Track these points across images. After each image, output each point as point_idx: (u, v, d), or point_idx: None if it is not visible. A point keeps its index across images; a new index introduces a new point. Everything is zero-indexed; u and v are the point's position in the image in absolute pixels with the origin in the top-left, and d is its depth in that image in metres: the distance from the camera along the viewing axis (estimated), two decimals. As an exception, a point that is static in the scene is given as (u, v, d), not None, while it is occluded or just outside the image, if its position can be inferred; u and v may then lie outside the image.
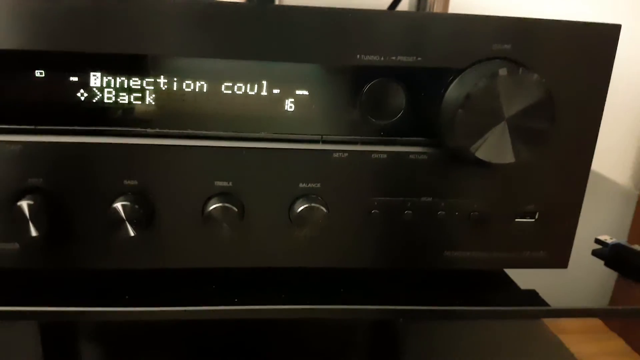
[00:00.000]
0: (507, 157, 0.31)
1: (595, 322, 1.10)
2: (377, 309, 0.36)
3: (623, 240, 0.45)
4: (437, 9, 0.80)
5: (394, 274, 0.40)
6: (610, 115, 0.92)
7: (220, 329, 0.59)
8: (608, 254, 0.45)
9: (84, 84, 0.32)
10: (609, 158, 0.93)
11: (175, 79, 0.32)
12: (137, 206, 0.32)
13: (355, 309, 0.36)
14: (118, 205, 0.31)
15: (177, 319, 0.35)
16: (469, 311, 0.38)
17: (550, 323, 0.96)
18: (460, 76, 0.32)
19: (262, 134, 0.33)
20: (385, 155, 0.34)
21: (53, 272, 0.36)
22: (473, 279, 0.40)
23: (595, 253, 0.46)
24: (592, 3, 0.84)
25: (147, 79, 0.32)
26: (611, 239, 0.46)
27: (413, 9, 0.80)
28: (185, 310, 0.34)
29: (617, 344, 1.08)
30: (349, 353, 0.62)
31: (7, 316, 0.34)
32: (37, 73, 0.31)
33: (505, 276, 0.42)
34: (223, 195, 0.33)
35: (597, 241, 0.46)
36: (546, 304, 0.39)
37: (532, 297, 0.40)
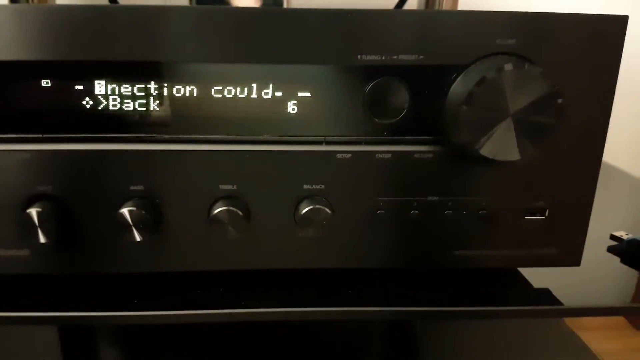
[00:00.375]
0: (512, 154, 0.31)
1: (618, 319, 1.08)
2: (390, 311, 0.36)
3: (638, 236, 0.44)
4: (446, 6, 0.79)
5: (405, 274, 0.39)
6: (625, 108, 0.90)
7: (236, 329, 0.60)
8: (624, 250, 0.44)
9: (89, 91, 0.32)
10: (624, 152, 0.91)
11: (178, 85, 0.32)
12: (143, 211, 0.32)
13: (367, 311, 0.36)
14: (125, 211, 0.32)
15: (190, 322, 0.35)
16: (486, 311, 0.37)
17: (571, 321, 0.94)
18: (464, 73, 0.32)
19: (265, 137, 0.33)
20: (389, 155, 0.34)
21: (63, 276, 0.37)
22: (484, 278, 0.40)
23: (610, 249, 0.45)
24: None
25: (150, 86, 0.32)
26: (627, 234, 0.45)
27: (422, 7, 0.80)
28: (198, 314, 0.34)
29: (641, 340, 1.06)
30: (364, 351, 0.61)
31: (28, 321, 0.35)
32: (44, 82, 0.32)
33: (519, 274, 0.41)
34: (228, 198, 0.33)
35: (613, 237, 0.45)
36: (560, 303, 0.38)
37: (545, 295, 0.39)
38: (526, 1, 0.82)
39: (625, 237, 0.44)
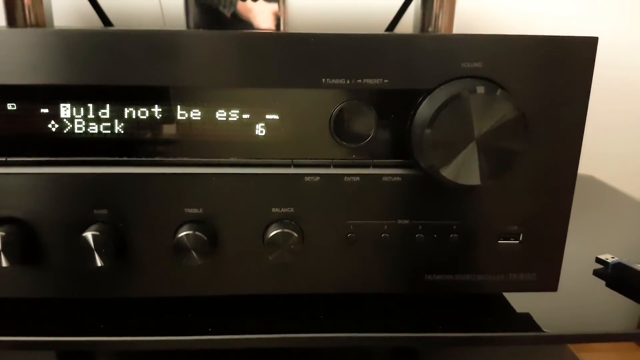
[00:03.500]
0: (473, 178, 0.30)
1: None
2: (368, 337, 0.35)
3: (625, 259, 0.43)
4: (441, 27, 0.79)
5: (382, 298, 0.39)
6: (627, 124, 0.89)
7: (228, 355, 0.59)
8: (609, 274, 0.43)
9: (54, 115, 0.32)
10: (625, 169, 0.89)
11: (143, 108, 0.32)
12: (106, 236, 0.32)
13: (345, 337, 0.35)
14: (88, 235, 0.32)
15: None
16: (481, 337, 0.36)
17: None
18: (429, 97, 0.32)
19: (232, 159, 0.33)
20: (358, 178, 0.34)
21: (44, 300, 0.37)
22: (465, 302, 0.39)
23: (596, 273, 0.44)
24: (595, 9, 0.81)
25: (114, 109, 0.32)
26: (612, 257, 0.44)
27: (417, 29, 0.80)
28: (195, 340, 0.34)
29: (649, 363, 1.03)
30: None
31: (23, 346, 0.35)
32: (9, 106, 0.32)
33: (502, 299, 0.40)
34: (194, 222, 0.33)
35: (598, 260, 0.44)
36: (540, 329, 0.37)
37: (526, 321, 0.38)
38: (524, 22, 0.82)
39: (610, 260, 0.43)
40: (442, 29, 0.75)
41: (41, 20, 0.68)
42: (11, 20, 0.64)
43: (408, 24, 0.78)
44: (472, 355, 0.65)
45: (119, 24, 0.69)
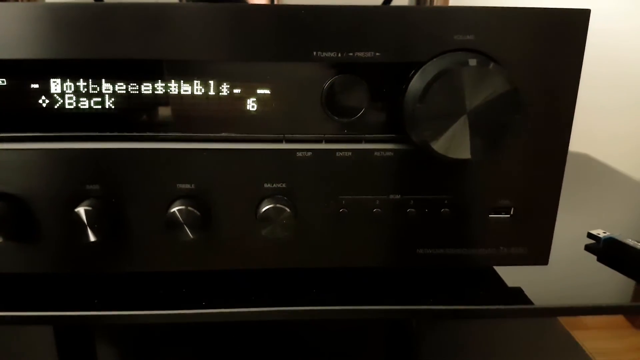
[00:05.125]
0: (463, 152, 0.30)
1: (618, 319, 1.07)
2: (367, 309, 0.35)
3: (616, 234, 0.43)
4: (437, 2, 0.78)
5: (376, 272, 0.39)
6: (621, 106, 0.89)
7: (232, 330, 0.60)
8: (601, 248, 0.43)
9: (45, 90, 0.32)
10: (622, 149, 0.90)
11: (135, 82, 0.32)
12: (98, 211, 0.32)
13: (342, 310, 0.35)
14: (80, 210, 0.32)
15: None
16: (474, 310, 0.36)
17: (571, 321, 0.93)
18: (421, 69, 0.31)
19: (223, 134, 0.33)
20: (350, 153, 0.34)
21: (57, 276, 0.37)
22: (457, 276, 0.39)
23: (588, 248, 0.44)
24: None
25: (106, 83, 0.32)
26: (604, 232, 0.44)
27: (413, 2, 0.79)
28: (191, 313, 0.34)
29: (641, 340, 1.05)
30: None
31: (21, 321, 0.35)
32: None
33: (494, 273, 0.41)
34: (186, 198, 0.33)
35: (590, 235, 0.45)
36: (530, 302, 0.38)
37: (517, 295, 0.39)
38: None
39: (601, 235, 0.44)
40: (438, 2, 0.74)
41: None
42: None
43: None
44: (465, 330, 0.66)
45: None
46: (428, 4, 0.77)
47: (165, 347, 0.60)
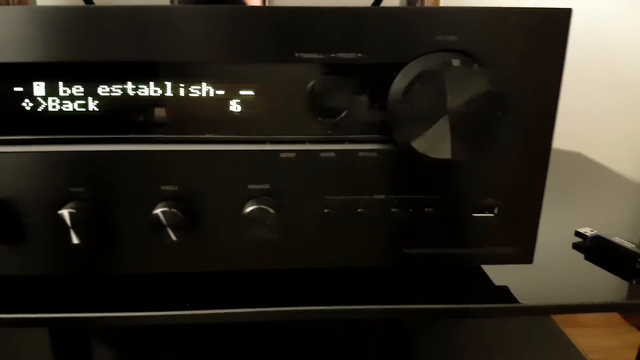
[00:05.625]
0: (444, 152, 0.31)
1: (613, 316, 1.07)
2: (357, 309, 0.36)
3: (603, 232, 0.43)
4: (428, 2, 0.78)
5: (362, 272, 0.39)
6: (618, 107, 0.89)
7: (229, 329, 0.60)
8: (588, 247, 0.44)
9: (29, 93, 0.32)
10: (616, 151, 0.90)
11: (118, 84, 0.32)
12: (82, 213, 0.32)
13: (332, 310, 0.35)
14: (64, 212, 0.32)
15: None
16: (454, 309, 0.36)
17: (566, 319, 0.93)
18: (403, 70, 0.32)
19: (207, 136, 0.33)
20: (333, 154, 0.34)
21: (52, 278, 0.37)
22: (444, 276, 0.39)
23: (575, 246, 0.44)
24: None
25: (90, 86, 0.32)
26: (592, 231, 0.44)
27: (404, 3, 0.79)
28: (187, 314, 0.34)
29: (636, 337, 1.05)
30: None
31: (17, 323, 0.35)
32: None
33: (481, 272, 0.41)
34: (170, 199, 0.33)
35: (577, 234, 0.45)
36: (516, 301, 0.38)
37: (503, 294, 0.39)
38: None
39: (589, 233, 0.44)
40: (429, 2, 0.74)
41: (24, 1, 0.67)
42: (-8, 0, 0.63)
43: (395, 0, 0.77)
44: (459, 329, 0.67)
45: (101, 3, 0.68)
46: (419, 4, 0.77)
47: (160, 348, 0.60)
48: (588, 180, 0.68)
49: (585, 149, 0.77)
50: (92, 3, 0.65)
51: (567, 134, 0.85)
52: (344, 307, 0.35)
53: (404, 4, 0.78)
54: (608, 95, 0.89)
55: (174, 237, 0.33)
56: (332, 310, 0.35)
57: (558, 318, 0.73)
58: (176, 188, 0.33)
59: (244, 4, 0.66)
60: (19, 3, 0.69)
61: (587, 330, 0.98)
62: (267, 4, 0.71)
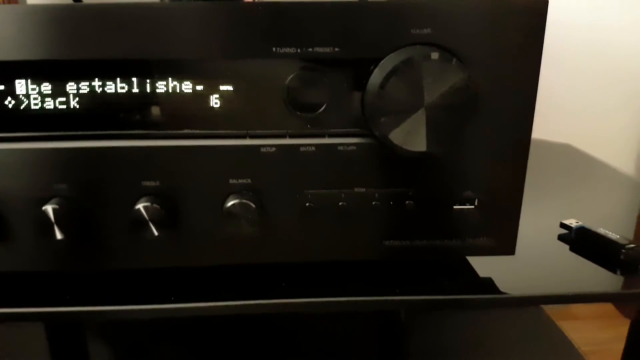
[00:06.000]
0: (419, 144, 0.31)
1: (607, 308, 1.07)
2: (346, 301, 0.36)
3: (587, 224, 0.43)
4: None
5: (352, 266, 0.39)
6: (615, 104, 0.89)
7: (224, 326, 0.61)
8: (573, 238, 0.44)
9: (11, 91, 0.32)
10: (613, 147, 0.90)
11: (99, 81, 0.33)
12: (66, 209, 0.32)
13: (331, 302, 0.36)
14: (48, 208, 0.32)
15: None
16: (440, 300, 0.37)
17: (556, 311, 0.93)
18: (380, 64, 0.32)
19: (187, 131, 0.34)
20: (313, 148, 0.34)
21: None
22: (427, 268, 0.39)
23: (561, 238, 0.45)
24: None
25: (70, 83, 0.32)
26: (577, 222, 0.44)
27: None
28: (183, 307, 0.35)
29: (631, 330, 1.05)
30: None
31: (12, 317, 0.36)
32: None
33: (466, 264, 0.41)
34: (151, 195, 0.34)
35: (563, 225, 0.45)
36: (501, 292, 0.38)
37: (487, 285, 0.39)
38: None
39: (573, 224, 0.44)
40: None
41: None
42: (-20, 0, 0.63)
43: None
44: (451, 322, 0.67)
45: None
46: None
47: (155, 343, 0.60)
48: (580, 174, 0.68)
49: (578, 143, 0.77)
50: (80, 1, 0.65)
51: (559, 129, 0.85)
52: (334, 299, 0.36)
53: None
54: (603, 91, 0.89)
55: (155, 233, 0.33)
56: (321, 302, 0.36)
57: (551, 311, 0.74)
58: (157, 183, 0.34)
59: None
60: (9, 2, 0.69)
61: (580, 323, 0.98)
62: None
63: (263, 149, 0.34)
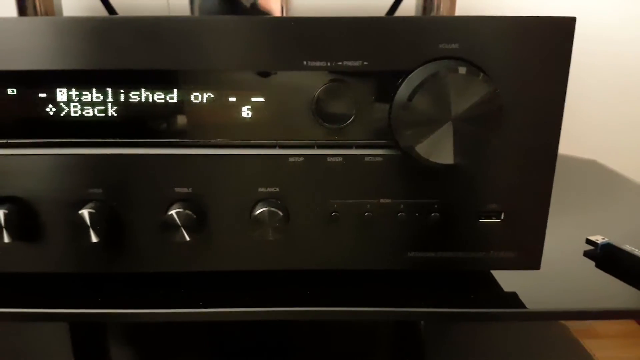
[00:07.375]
0: (446, 157, 0.31)
1: (631, 326, 1.04)
2: (369, 311, 0.36)
3: (613, 240, 0.43)
4: (443, 9, 0.79)
5: (369, 275, 0.40)
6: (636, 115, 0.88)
7: (241, 330, 0.61)
8: (599, 255, 0.43)
9: (52, 99, 0.34)
10: (634, 159, 0.88)
11: (135, 91, 0.34)
12: (101, 213, 0.34)
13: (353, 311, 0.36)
14: (84, 212, 0.34)
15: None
16: (465, 313, 0.37)
17: (579, 328, 0.92)
18: (407, 78, 0.32)
19: (218, 141, 0.35)
20: (340, 159, 0.35)
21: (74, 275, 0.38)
22: (451, 280, 0.39)
23: (587, 254, 0.44)
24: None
25: (108, 92, 0.34)
26: (603, 239, 0.44)
27: (419, 11, 0.80)
28: (203, 312, 0.36)
29: (657, 350, 1.02)
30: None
31: (38, 317, 0.37)
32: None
33: (490, 277, 0.41)
34: (183, 201, 0.35)
35: (588, 241, 0.45)
36: (524, 307, 0.38)
37: (512, 299, 0.39)
38: (528, 5, 0.82)
39: (600, 241, 0.44)
40: (444, 12, 0.74)
41: (50, 11, 0.70)
42: (22, 11, 0.66)
43: (410, 8, 0.78)
44: (472, 336, 0.66)
45: (124, 13, 0.71)
46: (435, 11, 0.78)
47: (174, 343, 0.61)
48: (606, 190, 0.67)
49: (604, 158, 0.76)
50: (116, 14, 0.67)
51: (585, 143, 0.84)
52: (358, 308, 0.36)
53: (420, 12, 0.78)
54: (630, 105, 0.88)
55: (187, 237, 0.34)
56: (346, 311, 0.36)
57: (575, 330, 0.72)
58: (189, 190, 0.35)
59: (267, 12, 0.68)
60: (46, 14, 0.72)
61: (604, 342, 0.96)
62: (285, 10, 0.72)
63: (291, 159, 0.35)
